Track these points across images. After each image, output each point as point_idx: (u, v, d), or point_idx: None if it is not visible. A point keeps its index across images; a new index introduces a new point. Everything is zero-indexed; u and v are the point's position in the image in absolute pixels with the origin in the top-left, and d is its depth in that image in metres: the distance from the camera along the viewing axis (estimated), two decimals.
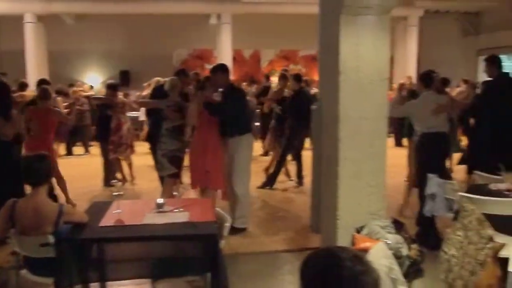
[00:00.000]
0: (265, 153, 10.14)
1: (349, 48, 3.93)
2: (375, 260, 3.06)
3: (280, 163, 7.68)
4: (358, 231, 4.12)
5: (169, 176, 5.69)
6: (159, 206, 3.65)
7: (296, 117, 7.32)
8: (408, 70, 14.87)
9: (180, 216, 3.51)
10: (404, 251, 4.02)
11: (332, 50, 4.04)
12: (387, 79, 4.07)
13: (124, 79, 15.74)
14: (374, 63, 3.98)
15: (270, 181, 7.61)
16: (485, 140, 5.59)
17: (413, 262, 4.07)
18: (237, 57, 16.78)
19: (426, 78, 5.62)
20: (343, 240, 4.12)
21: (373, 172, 4.13)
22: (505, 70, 5.98)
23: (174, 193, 4.74)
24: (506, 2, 15.57)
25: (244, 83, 13.58)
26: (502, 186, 4.30)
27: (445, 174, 6.15)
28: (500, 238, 3.59)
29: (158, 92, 6.14)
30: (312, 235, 5.06)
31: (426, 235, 4.93)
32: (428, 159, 5.35)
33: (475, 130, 5.85)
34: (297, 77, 7.72)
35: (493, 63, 5.81)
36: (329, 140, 4.21)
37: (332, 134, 4.11)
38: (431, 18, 16.59)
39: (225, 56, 14.61)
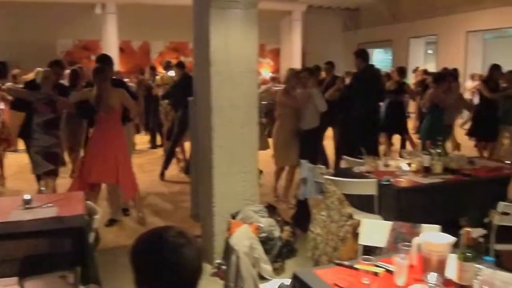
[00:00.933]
0: (153, 146, 10.07)
1: (219, 41, 4.05)
2: (237, 241, 3.22)
3: (170, 153, 7.63)
4: (233, 216, 4.29)
5: (45, 173, 5.44)
6: (26, 202, 3.54)
7: (183, 105, 6.80)
8: (294, 63, 15.49)
9: (48, 212, 3.43)
10: (276, 233, 4.27)
11: (204, 42, 4.14)
12: (256, 70, 4.27)
13: (1, 71, 14.59)
14: (243, 55, 4.15)
15: (164, 168, 7.54)
16: (353, 128, 6.07)
17: (285, 243, 4.34)
18: (126, 49, 16.35)
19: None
20: (219, 226, 4.26)
21: (246, 159, 4.31)
22: (371, 62, 6.55)
23: (42, 188, 4.56)
24: (382, 0, 16.80)
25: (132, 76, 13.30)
26: (363, 168, 4.73)
27: (324, 160, 6.62)
28: (358, 215, 3.94)
29: (31, 84, 5.85)
30: (193, 224, 5.15)
31: (300, 217, 5.24)
32: (308, 151, 5.77)
33: (345, 119, 6.33)
34: (180, 64, 7.74)
35: (359, 56, 6.32)
36: (204, 129, 4.32)
37: (206, 123, 4.22)
38: (314, 13, 17.41)
39: (111, 47, 14.19)
